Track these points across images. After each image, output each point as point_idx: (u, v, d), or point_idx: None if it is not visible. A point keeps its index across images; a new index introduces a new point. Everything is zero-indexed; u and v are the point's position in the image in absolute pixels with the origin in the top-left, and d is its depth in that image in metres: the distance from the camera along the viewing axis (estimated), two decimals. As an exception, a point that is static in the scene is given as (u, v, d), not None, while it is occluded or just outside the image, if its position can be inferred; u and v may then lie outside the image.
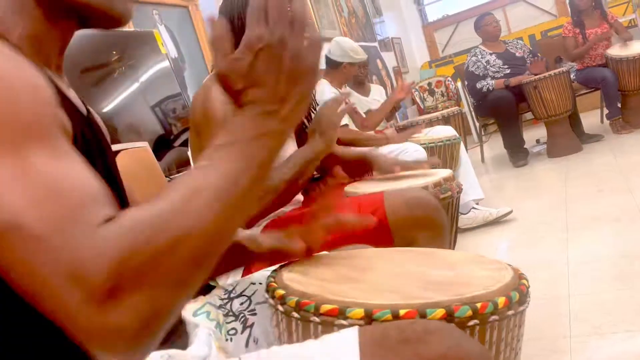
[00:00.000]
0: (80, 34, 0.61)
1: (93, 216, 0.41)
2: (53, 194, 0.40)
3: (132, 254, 0.39)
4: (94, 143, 0.60)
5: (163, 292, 0.40)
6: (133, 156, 1.63)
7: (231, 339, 0.76)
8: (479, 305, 0.54)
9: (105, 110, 2.12)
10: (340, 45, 3.01)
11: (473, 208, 2.82)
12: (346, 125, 2.75)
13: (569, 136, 3.96)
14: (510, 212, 2.78)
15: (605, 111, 4.24)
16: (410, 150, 2.58)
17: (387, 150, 2.62)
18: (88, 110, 0.65)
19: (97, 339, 0.39)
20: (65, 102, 0.54)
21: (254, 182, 0.47)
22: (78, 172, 0.43)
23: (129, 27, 2.62)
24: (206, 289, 0.88)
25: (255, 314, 0.77)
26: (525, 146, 4.17)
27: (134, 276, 0.39)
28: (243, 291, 0.82)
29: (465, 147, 3.19)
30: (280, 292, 0.65)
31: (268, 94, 0.49)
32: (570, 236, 2.25)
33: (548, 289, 1.79)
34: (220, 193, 0.44)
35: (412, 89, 3.47)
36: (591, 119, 4.62)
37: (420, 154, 2.58)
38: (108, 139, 0.71)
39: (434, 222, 1.22)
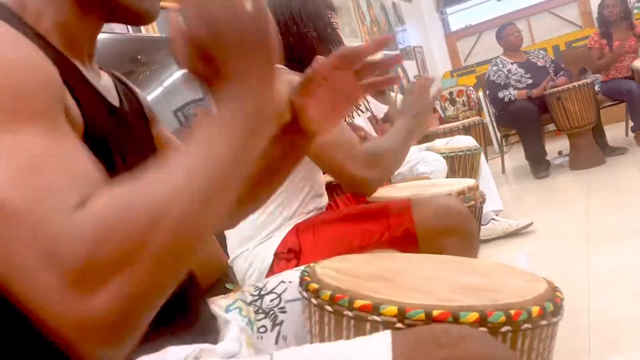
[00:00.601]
0: (107, 38, 0.63)
1: (73, 197, 0.39)
2: (36, 172, 0.39)
3: (109, 235, 0.37)
4: (119, 134, 0.61)
5: (143, 273, 0.38)
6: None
7: (261, 337, 0.76)
8: (512, 312, 0.55)
9: (128, 112, 2.16)
10: None
11: (492, 219, 2.80)
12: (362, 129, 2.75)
13: (592, 148, 3.91)
14: (530, 224, 2.75)
15: (630, 124, 4.19)
16: (430, 159, 2.58)
17: (406, 160, 2.61)
18: (122, 102, 0.66)
19: (74, 327, 0.36)
20: (86, 90, 0.57)
21: (235, 156, 0.45)
22: (67, 153, 0.43)
23: (155, 32, 2.66)
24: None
25: (285, 312, 0.78)
26: (547, 158, 4.13)
27: (111, 258, 0.37)
28: (274, 288, 0.82)
29: (486, 157, 3.17)
30: (314, 285, 0.66)
31: (223, 74, 0.48)
32: (591, 250, 2.22)
33: (567, 303, 1.73)
34: (198, 164, 0.43)
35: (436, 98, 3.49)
36: (615, 132, 4.56)
37: (440, 163, 2.57)
38: (150, 124, 0.74)
39: (464, 231, 1.21)
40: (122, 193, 0.40)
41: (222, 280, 1.63)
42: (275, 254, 1.32)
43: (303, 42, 1.35)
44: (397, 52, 5.71)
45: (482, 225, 2.75)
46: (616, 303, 1.69)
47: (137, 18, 0.61)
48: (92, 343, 0.37)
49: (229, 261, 1.45)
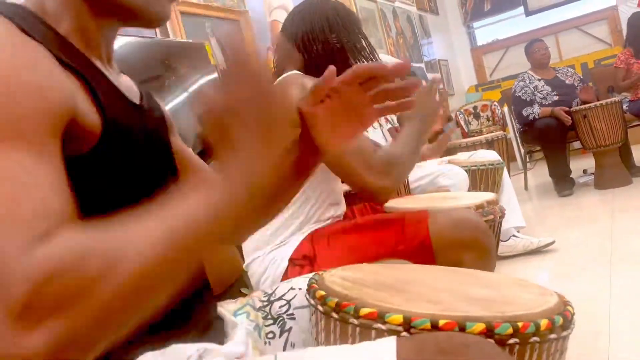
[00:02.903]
0: (135, 42, 0.66)
1: (33, 230, 0.39)
2: (1, 198, 0.40)
3: (55, 278, 0.37)
4: (140, 129, 0.63)
5: (83, 321, 0.38)
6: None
7: (269, 343, 0.76)
8: (520, 324, 0.54)
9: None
10: None
11: (513, 236, 2.75)
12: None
13: (618, 168, 3.84)
14: (553, 242, 2.69)
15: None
16: (451, 172, 2.55)
17: (427, 172, 2.60)
18: (142, 100, 0.69)
19: (6, 357, 0.37)
20: (107, 87, 0.59)
21: (211, 225, 0.45)
22: (40, 183, 0.43)
23: (182, 38, 2.70)
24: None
25: (293, 319, 0.78)
26: (571, 176, 4.06)
27: (53, 300, 0.37)
28: (283, 295, 0.82)
29: (509, 173, 3.12)
30: (321, 292, 0.66)
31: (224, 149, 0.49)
32: (614, 271, 2.17)
33: (587, 324, 1.72)
34: (166, 228, 0.43)
35: (447, 121, 3.44)
36: (643, 152, 4.47)
37: (462, 177, 2.54)
38: (168, 129, 0.75)
39: (481, 245, 1.19)
40: (82, 239, 0.40)
41: (238, 284, 1.64)
42: (290, 260, 1.32)
43: (330, 52, 1.36)
44: (422, 65, 5.70)
45: (503, 241, 2.71)
46: (637, 326, 1.65)
47: (148, 21, 0.63)
48: None
49: (244, 265, 1.46)
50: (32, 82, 0.47)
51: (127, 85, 0.68)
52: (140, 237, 0.41)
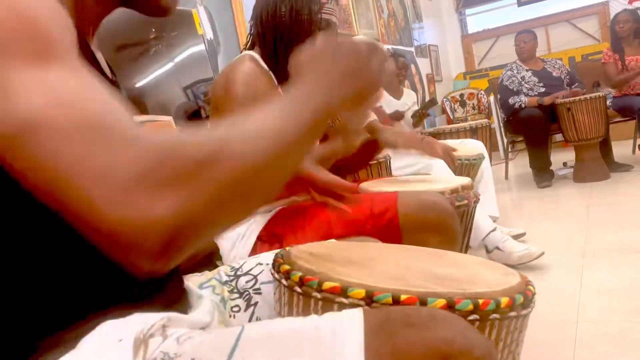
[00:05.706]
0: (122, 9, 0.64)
1: (125, 122, 0.42)
2: (81, 98, 0.41)
3: (172, 154, 0.41)
4: None
5: (199, 200, 0.41)
6: (157, 128, 1.65)
7: (234, 316, 0.76)
8: (480, 301, 0.54)
9: (137, 85, 2.15)
10: None
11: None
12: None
13: (597, 162, 3.89)
14: (524, 234, 2.71)
15: (639, 142, 4.15)
16: (435, 165, 2.54)
17: (411, 162, 2.59)
18: (114, 75, 0.68)
19: (132, 230, 0.39)
20: (91, 64, 0.56)
21: (305, 135, 0.49)
22: (101, 90, 0.44)
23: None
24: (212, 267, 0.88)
25: (260, 293, 0.78)
26: (551, 167, 4.11)
27: (171, 176, 0.40)
28: (250, 270, 0.82)
29: (490, 162, 3.13)
30: (286, 267, 0.66)
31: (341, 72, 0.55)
32: (586, 263, 2.20)
33: (556, 313, 1.76)
34: (276, 132, 0.46)
35: (432, 105, 3.44)
36: (623, 148, 4.53)
37: (445, 169, 2.53)
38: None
39: (446, 228, 1.21)
40: (187, 132, 0.44)
41: (215, 255, 1.63)
42: (259, 237, 1.31)
43: (293, 22, 1.33)
44: (412, 49, 5.67)
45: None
46: (606, 317, 1.69)
47: (157, 11, 0.61)
48: (145, 250, 0.40)
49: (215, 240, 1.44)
50: (53, 5, 0.47)
51: (102, 59, 0.66)
52: (249, 128, 0.46)
